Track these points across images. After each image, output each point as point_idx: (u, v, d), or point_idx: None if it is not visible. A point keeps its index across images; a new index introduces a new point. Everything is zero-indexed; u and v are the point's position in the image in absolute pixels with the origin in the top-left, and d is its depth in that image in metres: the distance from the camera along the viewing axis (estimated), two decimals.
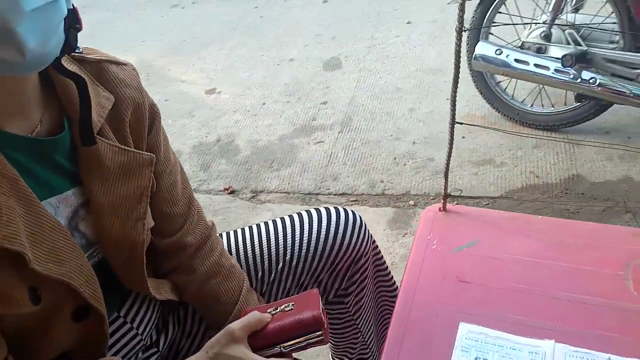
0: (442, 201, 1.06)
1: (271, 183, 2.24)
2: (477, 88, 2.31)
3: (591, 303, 0.84)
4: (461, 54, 0.91)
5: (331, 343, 1.20)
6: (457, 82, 0.92)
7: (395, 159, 2.24)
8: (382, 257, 1.17)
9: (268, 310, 0.85)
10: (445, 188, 1.04)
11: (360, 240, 1.03)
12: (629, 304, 0.83)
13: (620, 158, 2.05)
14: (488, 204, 1.92)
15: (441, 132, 2.33)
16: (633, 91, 1.82)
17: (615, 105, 2.00)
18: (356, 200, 2.09)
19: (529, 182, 2.01)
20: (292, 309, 0.85)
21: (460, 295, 0.90)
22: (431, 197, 2.01)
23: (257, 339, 0.82)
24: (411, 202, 2.01)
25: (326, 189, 2.17)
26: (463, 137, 2.23)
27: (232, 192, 2.22)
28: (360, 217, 1.05)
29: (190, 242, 0.88)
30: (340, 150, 2.35)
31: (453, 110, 0.95)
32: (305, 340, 0.82)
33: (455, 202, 1.03)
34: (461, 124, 0.89)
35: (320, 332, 0.81)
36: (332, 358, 1.29)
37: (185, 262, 0.88)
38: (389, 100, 2.63)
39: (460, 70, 0.89)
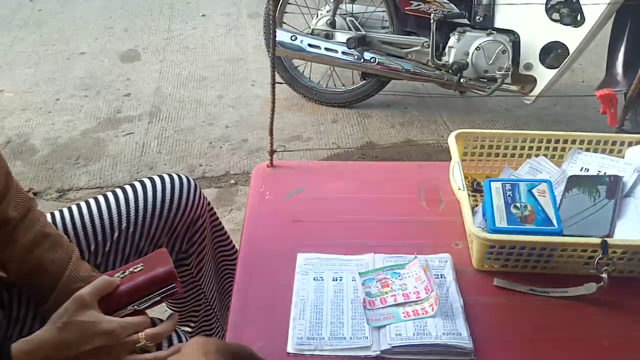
0: (269, 158, 1.17)
1: (79, 180, 2.11)
2: (278, 73, 2.49)
3: (397, 221, 1.04)
4: (260, 42, 1.03)
5: (175, 310, 1.22)
6: (274, 58, 1.07)
7: (210, 143, 2.30)
8: (219, 218, 1.24)
9: (116, 275, 0.86)
10: (271, 145, 1.15)
11: (196, 201, 1.08)
12: (424, 217, 1.05)
13: (401, 125, 2.43)
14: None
15: (251, 115, 2.46)
16: (404, 67, 2.19)
17: (393, 81, 2.37)
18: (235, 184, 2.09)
19: (333, 152, 2.26)
20: (141, 269, 0.87)
21: (296, 233, 1.02)
22: (250, 175, 2.13)
23: (109, 302, 0.81)
24: (232, 181, 2.10)
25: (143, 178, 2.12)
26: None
27: (34, 194, 2.03)
28: (194, 181, 1.11)
29: (12, 216, 0.84)
30: (152, 139, 2.31)
31: (273, 72, 1.07)
32: (159, 295, 0.85)
33: (280, 158, 1.15)
34: (281, 83, 1.00)
35: (173, 285, 0.85)
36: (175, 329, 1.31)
37: (7, 236, 0.83)
38: (196, 88, 2.67)
39: (259, 58, 1.01)
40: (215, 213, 1.22)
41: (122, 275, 0.86)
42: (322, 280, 0.92)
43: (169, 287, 0.85)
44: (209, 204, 1.19)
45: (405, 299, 0.88)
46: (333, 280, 0.92)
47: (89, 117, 2.46)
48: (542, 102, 2.34)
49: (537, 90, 2.09)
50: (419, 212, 1.07)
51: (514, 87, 2.12)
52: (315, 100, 2.52)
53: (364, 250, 0.97)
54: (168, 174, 1.08)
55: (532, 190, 0.97)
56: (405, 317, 0.86)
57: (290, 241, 1.00)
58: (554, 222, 0.91)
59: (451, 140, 1.09)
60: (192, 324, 1.25)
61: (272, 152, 1.15)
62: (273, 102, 1.10)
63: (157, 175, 1.08)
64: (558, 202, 0.97)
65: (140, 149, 2.26)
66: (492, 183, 0.99)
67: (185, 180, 1.09)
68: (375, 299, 0.90)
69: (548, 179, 1.03)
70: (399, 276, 0.93)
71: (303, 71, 2.53)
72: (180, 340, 0.90)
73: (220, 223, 1.24)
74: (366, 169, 1.18)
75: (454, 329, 0.83)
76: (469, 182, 1.13)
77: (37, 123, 2.42)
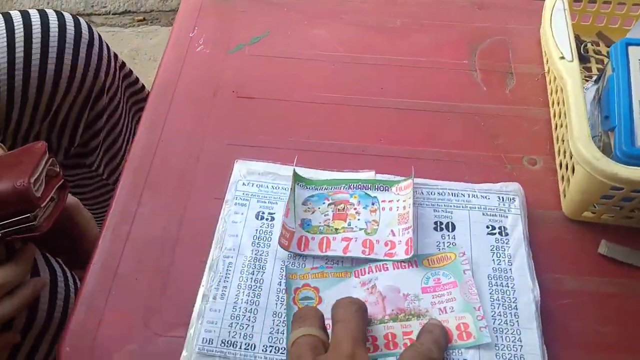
0: None
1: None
2: None
3: (424, 109, 0.57)
4: None
5: None
6: None
7: None
8: (140, 83, 0.78)
9: None
10: None
11: (97, 60, 0.64)
12: (474, 104, 0.57)
13: None
14: None
15: None
16: None
17: None
18: (143, 20, 1.58)
19: None
20: None
21: (238, 120, 0.56)
22: (173, 10, 1.60)
23: None
24: (139, 18, 1.58)
25: (102, 6, 1.61)
26: None
27: None
28: (93, 29, 0.65)
29: None
30: None
31: None
32: (8, 228, 0.44)
33: None
34: None
35: (28, 215, 0.44)
36: None
37: None
38: None
39: None
40: (131, 73, 0.76)
41: None
42: (273, 220, 0.48)
43: (21, 219, 0.45)
44: (122, 64, 0.73)
45: (363, 254, 0.46)
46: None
47: None
48: None
49: None
50: (466, 94, 0.58)
51: None
52: None
53: (359, 165, 0.52)
54: (49, 11, 0.62)
55: None
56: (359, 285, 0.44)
57: (226, 135, 0.55)
58: None
59: None
60: None
61: None
62: None
63: (34, 11, 0.62)
64: None
65: None
66: (631, 49, 0.48)
67: (85, 26, 0.63)
68: (315, 236, 0.47)
69: None
70: (372, 203, 0.49)
71: None
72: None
73: (143, 89, 0.78)
74: (381, 5, 0.67)
75: (517, 354, 0.40)
76: None
77: None
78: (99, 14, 1.60)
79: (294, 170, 0.50)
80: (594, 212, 0.47)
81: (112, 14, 1.61)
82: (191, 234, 0.48)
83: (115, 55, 0.71)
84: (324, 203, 0.49)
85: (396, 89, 0.59)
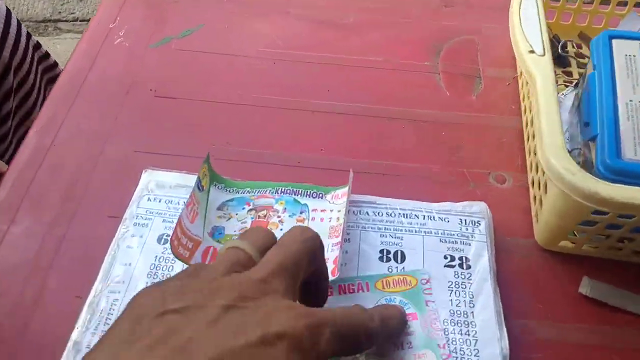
0: None
1: None
2: None
3: (378, 116, 0.48)
4: None
5: None
6: None
7: None
8: (57, 67, 0.69)
9: None
10: None
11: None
12: (436, 111, 0.48)
13: None
14: None
15: None
16: None
17: None
18: None
19: None
20: None
21: (152, 124, 0.47)
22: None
23: None
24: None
25: (69, 12, 1.53)
26: None
27: None
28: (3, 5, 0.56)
29: None
30: None
31: None
32: None
33: None
34: None
35: None
36: None
37: None
38: None
39: None
40: (48, 56, 0.67)
41: None
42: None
43: None
44: (36, 44, 0.65)
45: None
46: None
47: None
48: None
49: None
50: (426, 99, 0.50)
51: None
52: None
53: (292, 178, 0.43)
54: None
55: None
56: None
57: (135, 140, 0.45)
58: None
59: None
60: None
61: None
62: None
63: None
64: None
65: None
66: (615, 42, 0.40)
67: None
68: None
69: None
70: (301, 212, 0.40)
71: None
72: None
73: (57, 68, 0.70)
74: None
75: None
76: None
77: None
78: (67, 21, 1.52)
79: (210, 167, 0.40)
80: (574, 242, 0.38)
81: (80, 21, 1.52)
82: (71, 260, 0.38)
83: (29, 35, 0.61)
84: (243, 208, 0.40)
85: (344, 91, 0.50)
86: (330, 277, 0.35)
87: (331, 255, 0.37)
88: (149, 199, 0.41)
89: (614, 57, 0.39)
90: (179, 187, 0.42)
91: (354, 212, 0.40)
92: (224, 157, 0.44)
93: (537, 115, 0.35)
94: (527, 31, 0.40)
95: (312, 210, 0.40)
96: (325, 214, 0.40)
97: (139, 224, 0.40)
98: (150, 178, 0.42)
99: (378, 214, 0.40)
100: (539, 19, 0.40)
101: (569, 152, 0.40)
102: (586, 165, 0.37)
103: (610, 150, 0.34)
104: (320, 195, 0.41)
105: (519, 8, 0.43)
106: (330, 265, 0.36)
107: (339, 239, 0.37)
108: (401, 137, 0.47)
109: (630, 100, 0.36)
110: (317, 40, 0.55)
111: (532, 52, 0.39)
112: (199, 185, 0.39)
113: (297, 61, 0.52)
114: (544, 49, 0.39)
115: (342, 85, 0.50)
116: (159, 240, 0.39)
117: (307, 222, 0.40)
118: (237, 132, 0.46)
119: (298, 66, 0.52)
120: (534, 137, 0.41)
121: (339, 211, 0.39)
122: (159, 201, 0.41)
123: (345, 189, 0.40)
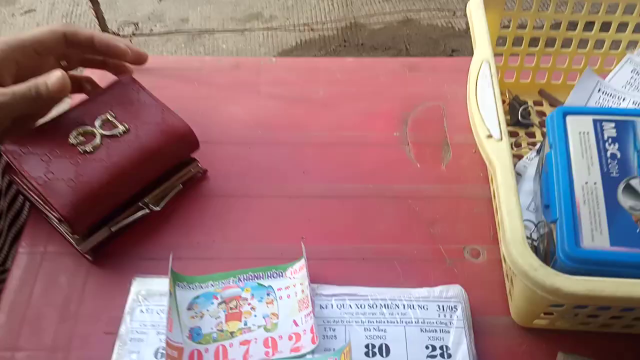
0: None
1: None
2: None
3: (346, 197, 0.50)
4: None
5: None
6: None
7: None
8: None
9: None
10: None
11: None
12: (404, 185, 0.50)
13: None
14: None
15: None
16: None
17: None
18: None
19: (304, 36, 1.64)
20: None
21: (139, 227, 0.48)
22: None
23: None
24: None
25: None
26: None
27: None
28: None
29: None
30: None
31: None
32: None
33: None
34: None
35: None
36: None
37: None
38: None
39: None
40: None
41: None
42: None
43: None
44: None
45: (267, 355, 0.39)
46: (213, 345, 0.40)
47: None
48: None
49: None
50: (398, 173, 0.52)
51: None
52: None
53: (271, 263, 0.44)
54: None
55: None
56: None
57: (125, 244, 0.47)
58: None
59: (475, 10, 0.49)
60: None
61: None
62: None
63: None
64: None
65: None
66: (569, 119, 0.42)
67: None
68: (208, 347, 0.39)
69: None
70: (268, 294, 0.42)
71: None
72: None
73: None
74: (303, 72, 0.60)
75: None
76: (506, 101, 0.55)
77: None
78: None
79: (171, 269, 0.42)
80: (548, 319, 0.40)
81: None
82: None
83: None
84: (212, 303, 0.42)
85: (320, 172, 0.52)
86: (311, 346, 0.38)
87: (307, 326, 0.40)
88: (141, 311, 0.43)
89: (568, 136, 0.41)
90: (168, 293, 0.44)
91: (337, 306, 0.42)
92: (206, 257, 0.46)
93: (498, 206, 0.37)
94: (485, 113, 0.42)
95: (277, 289, 0.43)
96: (290, 290, 0.42)
97: (135, 339, 0.41)
98: (140, 287, 0.44)
99: (361, 306, 0.42)
100: (495, 101, 0.42)
101: (535, 225, 0.42)
102: (550, 244, 0.38)
103: (570, 238, 0.36)
104: (280, 273, 0.43)
105: (475, 86, 0.45)
106: (308, 335, 0.39)
107: (309, 309, 0.40)
108: (379, 215, 0.48)
109: (586, 183, 0.38)
110: (289, 118, 0.57)
111: (490, 136, 0.41)
112: (170, 291, 0.41)
113: (271, 144, 0.54)
114: (501, 134, 0.41)
115: (318, 164, 0.52)
116: (155, 355, 0.40)
117: (276, 303, 0.42)
118: (213, 226, 0.48)
119: (273, 149, 0.54)
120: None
121: (301, 284, 0.42)
122: (152, 312, 0.43)
123: (302, 262, 0.43)
